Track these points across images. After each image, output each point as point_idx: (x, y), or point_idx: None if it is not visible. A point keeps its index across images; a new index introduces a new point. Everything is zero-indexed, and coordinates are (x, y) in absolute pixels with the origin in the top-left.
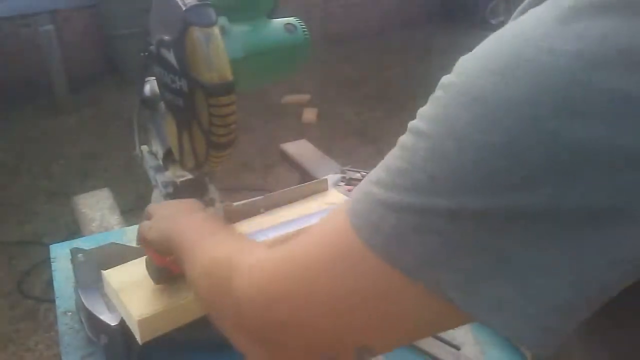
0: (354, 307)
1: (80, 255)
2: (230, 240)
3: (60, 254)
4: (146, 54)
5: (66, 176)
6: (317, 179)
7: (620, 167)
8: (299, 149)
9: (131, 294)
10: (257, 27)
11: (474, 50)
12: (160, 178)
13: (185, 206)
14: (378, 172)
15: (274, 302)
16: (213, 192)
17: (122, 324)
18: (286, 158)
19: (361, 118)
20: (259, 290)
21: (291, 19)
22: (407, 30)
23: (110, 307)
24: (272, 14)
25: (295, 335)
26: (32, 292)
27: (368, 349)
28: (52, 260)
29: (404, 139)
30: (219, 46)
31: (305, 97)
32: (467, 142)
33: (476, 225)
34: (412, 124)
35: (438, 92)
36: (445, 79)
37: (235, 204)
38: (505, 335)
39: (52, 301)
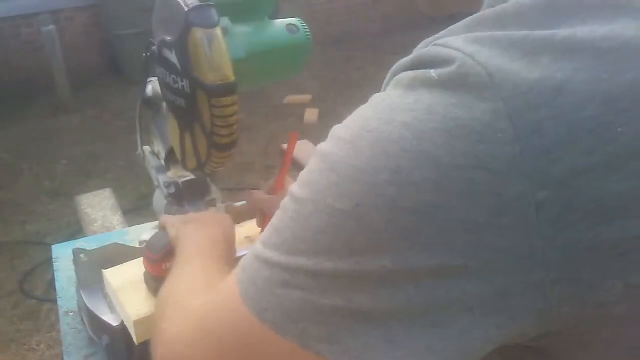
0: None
1: (82, 255)
2: (187, 278)
3: (63, 254)
4: (148, 54)
5: (68, 176)
6: None
7: (454, 229)
8: (301, 149)
9: (130, 294)
10: (259, 28)
11: (346, 119)
12: (162, 178)
13: (207, 220)
14: (266, 231)
15: (188, 348)
16: (215, 192)
17: (124, 324)
18: None
19: None
20: (180, 337)
21: (293, 20)
22: (408, 31)
23: (112, 308)
24: (274, 15)
25: None
26: (34, 292)
27: None
28: (54, 260)
29: (284, 200)
30: (221, 47)
31: (307, 97)
32: (322, 207)
33: (333, 283)
34: (290, 187)
35: (313, 159)
36: (320, 146)
37: (236, 204)
38: None
39: (54, 301)
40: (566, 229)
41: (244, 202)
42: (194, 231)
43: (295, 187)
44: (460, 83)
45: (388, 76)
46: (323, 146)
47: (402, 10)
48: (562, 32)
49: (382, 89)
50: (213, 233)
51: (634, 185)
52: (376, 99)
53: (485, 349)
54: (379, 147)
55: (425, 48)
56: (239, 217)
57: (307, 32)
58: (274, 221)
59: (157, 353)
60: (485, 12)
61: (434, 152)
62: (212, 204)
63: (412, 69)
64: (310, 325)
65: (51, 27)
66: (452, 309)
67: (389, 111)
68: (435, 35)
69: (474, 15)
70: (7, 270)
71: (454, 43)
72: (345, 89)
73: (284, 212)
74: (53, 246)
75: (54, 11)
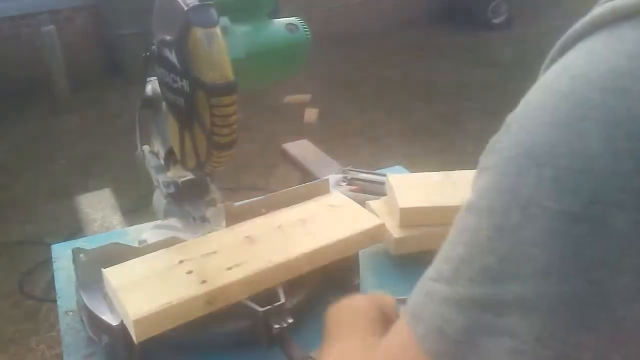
0: None
1: (81, 255)
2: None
3: (62, 254)
4: (148, 54)
5: (68, 176)
6: (318, 178)
7: None
8: (300, 149)
9: (129, 293)
10: (259, 27)
11: (524, 104)
12: (161, 178)
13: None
14: (437, 265)
15: None
16: (214, 192)
17: (123, 323)
18: (287, 158)
19: (362, 118)
20: None
21: (292, 19)
22: (407, 30)
23: (112, 307)
24: (273, 14)
25: None
26: (33, 292)
27: None
28: (53, 260)
29: (461, 219)
30: (221, 46)
31: (307, 97)
32: (538, 211)
33: (553, 317)
34: (467, 201)
35: (490, 159)
36: (496, 142)
37: (236, 204)
38: None
39: (54, 301)
40: None
41: (243, 202)
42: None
43: (480, 199)
44: None
45: (561, 42)
46: (505, 141)
47: (401, 10)
48: None
49: (546, 66)
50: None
51: None
52: (578, 67)
53: None
54: (613, 126)
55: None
56: (238, 216)
57: (306, 31)
58: (456, 249)
59: None
60: None
61: None
62: (211, 203)
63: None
64: None
65: (50, 26)
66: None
67: (615, 78)
68: None
69: None
70: (7, 270)
71: None
72: (345, 88)
73: (471, 233)
74: (52, 246)
75: (54, 11)
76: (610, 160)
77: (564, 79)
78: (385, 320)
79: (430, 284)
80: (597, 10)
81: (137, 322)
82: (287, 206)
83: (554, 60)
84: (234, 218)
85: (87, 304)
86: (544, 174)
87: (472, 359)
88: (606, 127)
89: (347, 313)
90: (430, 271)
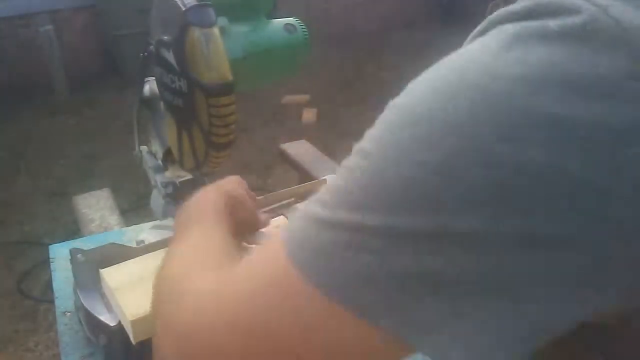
0: (289, 337)
1: (79, 255)
2: (200, 252)
3: (60, 254)
4: (146, 54)
5: (66, 176)
6: (316, 179)
7: (560, 193)
8: (299, 149)
9: (127, 294)
10: (257, 28)
11: (423, 74)
12: (159, 178)
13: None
14: (319, 192)
15: (216, 334)
16: None
17: (121, 324)
18: (286, 158)
19: (361, 118)
20: (202, 320)
21: (291, 19)
22: (407, 30)
23: (109, 307)
24: (271, 14)
25: None
26: (31, 292)
27: None
28: (51, 260)
29: (348, 159)
30: (219, 46)
31: (305, 97)
32: (405, 160)
33: (408, 244)
34: (357, 145)
35: (384, 113)
36: (393, 101)
37: None
38: (433, 357)
39: (52, 301)
40: None
41: None
42: (188, 205)
43: (364, 143)
44: (585, 36)
45: (483, 24)
46: (399, 99)
47: (400, 10)
48: None
49: (469, 40)
50: (208, 199)
51: None
52: (471, 50)
53: (557, 330)
54: (482, 102)
55: None
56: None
57: (304, 31)
58: (335, 181)
59: (167, 349)
60: None
61: (550, 108)
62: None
63: (523, 19)
64: (372, 293)
65: (49, 27)
66: (537, 282)
67: (493, 64)
68: None
69: None
70: (5, 270)
71: None
72: (344, 88)
73: (348, 170)
74: (50, 246)
75: (52, 11)
76: (470, 128)
77: (455, 61)
78: (233, 205)
79: (309, 204)
80: (511, 7)
81: (135, 323)
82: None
83: (478, 34)
84: None
85: (85, 305)
86: (417, 131)
87: (327, 268)
88: (475, 102)
89: (195, 206)
90: (316, 196)
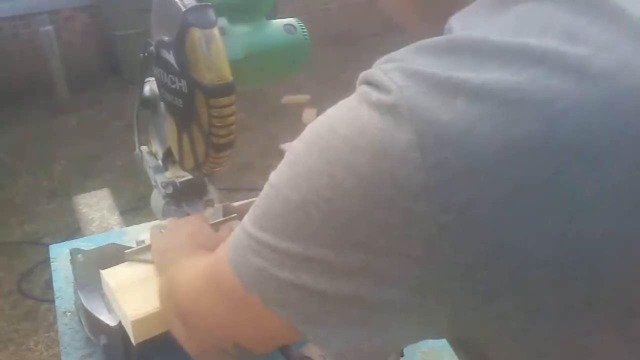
0: (219, 316)
1: (79, 255)
2: (183, 259)
3: (60, 254)
4: (146, 54)
5: (66, 176)
6: None
7: (375, 234)
8: None
9: (127, 294)
10: (257, 28)
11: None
12: (159, 178)
13: (187, 233)
14: (253, 209)
15: (187, 303)
16: (213, 192)
17: (122, 324)
18: None
19: None
20: (181, 295)
21: (291, 20)
22: (406, 31)
23: (110, 308)
24: (271, 15)
25: (196, 330)
26: (32, 292)
27: (242, 347)
28: (52, 260)
29: (265, 186)
30: (219, 47)
31: (305, 97)
32: (282, 194)
33: (287, 260)
34: (272, 173)
35: (288, 150)
36: (296, 140)
37: (234, 204)
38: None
39: (52, 301)
40: (465, 250)
41: (242, 202)
42: (169, 239)
43: (273, 173)
44: (388, 111)
45: (359, 79)
46: (296, 141)
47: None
48: (478, 78)
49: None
50: (187, 232)
51: (521, 223)
52: (336, 106)
53: (411, 341)
54: (324, 153)
55: (375, 69)
56: (238, 216)
57: (304, 32)
58: (259, 197)
59: (174, 297)
60: (428, 41)
61: (361, 167)
62: (209, 204)
63: (365, 84)
64: (269, 290)
65: (49, 27)
66: (377, 301)
67: (337, 122)
68: (390, 54)
69: (420, 42)
70: (5, 270)
71: (393, 73)
72: (343, 89)
73: (263, 191)
74: (51, 246)
75: (52, 11)
76: (317, 174)
77: (327, 114)
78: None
79: (245, 217)
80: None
81: (135, 323)
82: None
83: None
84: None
85: (85, 305)
86: (290, 172)
87: (243, 266)
88: (320, 153)
89: (171, 235)
90: (250, 212)
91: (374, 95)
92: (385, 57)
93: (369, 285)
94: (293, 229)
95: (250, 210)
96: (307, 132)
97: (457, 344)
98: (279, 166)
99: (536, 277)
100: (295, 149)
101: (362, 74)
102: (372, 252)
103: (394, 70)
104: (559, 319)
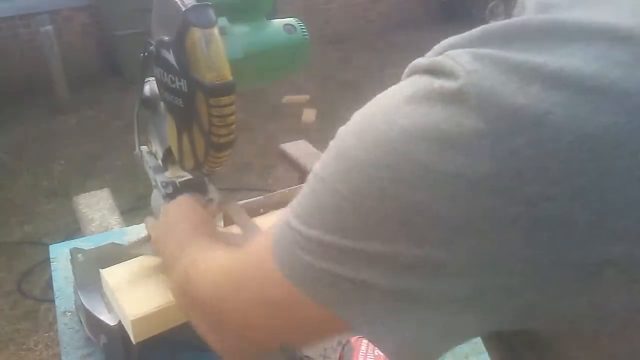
0: (265, 315)
1: (79, 255)
2: (194, 251)
3: (60, 254)
4: (146, 54)
5: (66, 176)
6: None
7: (435, 226)
8: (299, 149)
9: (127, 293)
10: (257, 28)
11: (363, 107)
12: (159, 178)
13: (182, 212)
14: (295, 200)
15: (215, 303)
16: (213, 192)
17: (121, 324)
18: (286, 158)
19: None
20: (205, 293)
21: (291, 20)
22: (407, 30)
23: (110, 307)
24: (271, 15)
25: (230, 331)
26: (32, 292)
27: (287, 347)
28: (52, 260)
29: (310, 174)
30: (219, 47)
31: (305, 97)
32: (330, 187)
33: (340, 255)
34: (315, 164)
35: (333, 141)
36: (340, 129)
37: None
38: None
39: (52, 301)
40: (535, 245)
41: (242, 202)
42: (166, 223)
43: (318, 164)
44: (454, 98)
45: (405, 72)
46: (341, 130)
47: (401, 9)
48: (556, 62)
49: (403, 76)
50: (182, 212)
51: (595, 219)
52: (387, 95)
53: (469, 337)
54: (380, 144)
55: (438, 55)
56: (237, 217)
57: (304, 32)
58: (302, 191)
59: (196, 286)
60: (494, 25)
61: (424, 158)
62: (209, 204)
63: (424, 73)
64: (321, 286)
65: (49, 27)
66: (436, 297)
67: (393, 113)
68: (449, 41)
69: (484, 27)
70: (5, 270)
71: (461, 58)
72: (343, 88)
73: (307, 185)
74: (51, 246)
75: (52, 11)
76: (369, 166)
77: (373, 104)
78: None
79: (288, 208)
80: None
81: (135, 322)
82: (286, 207)
83: (403, 79)
84: (231, 219)
85: (85, 304)
86: (340, 165)
87: (291, 262)
88: (376, 144)
89: (173, 214)
90: (295, 207)
91: (437, 83)
92: (442, 45)
93: (431, 280)
94: (342, 223)
95: (295, 204)
96: (357, 124)
97: (498, 339)
98: (323, 158)
99: (610, 275)
100: (343, 141)
101: (415, 63)
102: (432, 246)
103: (462, 55)
104: (629, 318)
